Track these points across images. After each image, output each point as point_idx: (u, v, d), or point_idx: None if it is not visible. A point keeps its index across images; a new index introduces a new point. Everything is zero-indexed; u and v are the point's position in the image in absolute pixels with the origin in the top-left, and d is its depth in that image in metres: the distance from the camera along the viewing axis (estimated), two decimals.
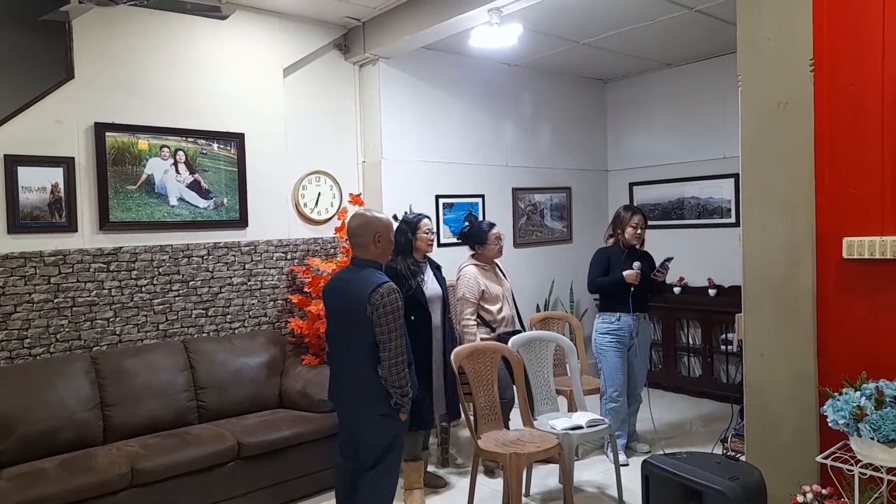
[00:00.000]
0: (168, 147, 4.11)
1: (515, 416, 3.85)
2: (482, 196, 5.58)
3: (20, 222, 3.61)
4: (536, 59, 5.64)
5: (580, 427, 3.59)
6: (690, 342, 5.71)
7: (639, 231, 4.25)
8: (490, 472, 4.06)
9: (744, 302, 2.72)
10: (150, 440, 3.48)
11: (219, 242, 4.34)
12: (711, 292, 5.65)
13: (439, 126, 5.29)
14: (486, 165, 5.62)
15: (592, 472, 4.08)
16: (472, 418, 3.66)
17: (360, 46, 4.83)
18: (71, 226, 3.78)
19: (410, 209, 4.29)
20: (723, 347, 5.40)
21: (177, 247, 4.17)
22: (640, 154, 6.39)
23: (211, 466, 3.39)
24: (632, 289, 4.11)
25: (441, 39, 4.67)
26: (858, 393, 2.08)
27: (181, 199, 4.17)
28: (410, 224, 3.82)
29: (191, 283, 4.22)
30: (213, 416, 3.88)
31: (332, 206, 4.91)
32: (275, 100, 4.60)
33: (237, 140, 4.39)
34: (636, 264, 4.12)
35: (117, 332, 3.94)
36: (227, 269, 4.38)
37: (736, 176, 5.10)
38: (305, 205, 4.77)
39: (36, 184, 3.66)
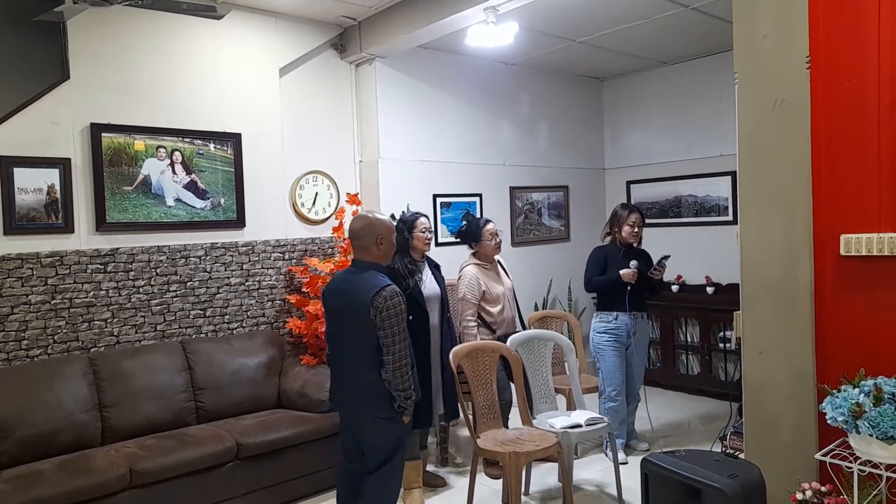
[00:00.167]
0: (164, 147, 4.10)
1: (514, 416, 3.85)
2: (479, 195, 5.58)
3: (16, 223, 3.60)
4: (533, 57, 5.64)
5: (579, 426, 3.59)
6: (689, 340, 5.72)
7: (636, 229, 4.24)
8: (493, 477, 4.03)
9: (742, 300, 2.72)
10: (149, 441, 3.48)
11: (216, 243, 4.34)
12: (709, 290, 5.66)
13: (436, 125, 5.29)
14: (483, 164, 5.62)
15: (592, 470, 4.09)
16: (470, 417, 3.66)
17: (357, 46, 4.83)
18: (68, 227, 3.77)
19: (408, 208, 4.28)
20: (721, 345, 5.41)
21: (174, 247, 4.16)
22: (637, 152, 6.40)
23: (210, 467, 3.39)
24: (628, 287, 4.11)
25: (437, 38, 4.67)
26: (857, 390, 2.08)
27: (178, 200, 4.16)
28: (407, 223, 3.82)
29: (188, 283, 4.22)
30: (211, 417, 3.88)
31: (329, 205, 4.90)
32: (271, 100, 4.59)
33: (234, 140, 4.38)
34: (633, 263, 4.12)
35: (115, 333, 3.93)
36: (225, 270, 4.37)
37: (733, 174, 5.12)
38: (303, 205, 4.76)
39: (32, 185, 3.65)
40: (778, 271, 2.58)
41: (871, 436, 1.98)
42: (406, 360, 2.69)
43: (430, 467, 4.08)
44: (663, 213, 6.14)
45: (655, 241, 5.09)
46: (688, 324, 5.73)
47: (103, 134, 3.87)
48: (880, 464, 2.04)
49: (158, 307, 4.10)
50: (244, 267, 4.46)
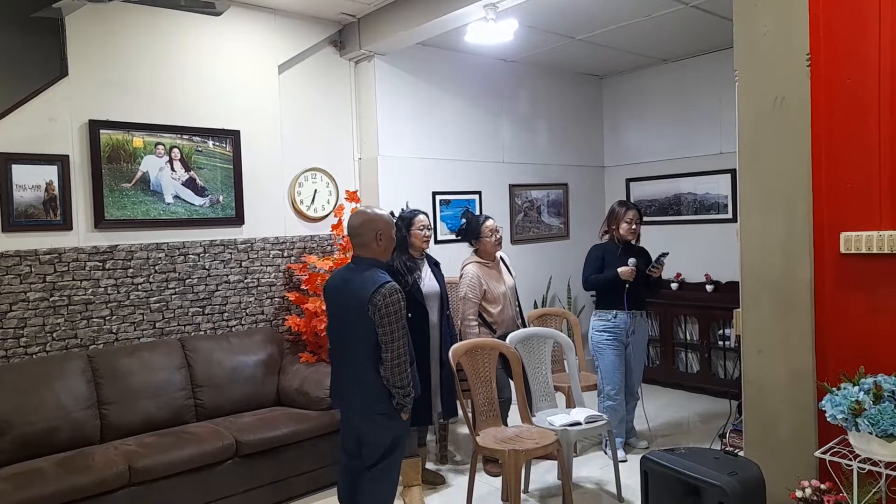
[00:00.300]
0: (163, 144, 4.09)
1: (514, 413, 3.85)
2: (479, 192, 5.57)
3: (15, 220, 3.59)
4: (532, 55, 5.63)
5: (578, 423, 3.59)
6: (688, 338, 5.72)
7: (633, 226, 4.22)
8: (492, 475, 4.02)
9: (742, 298, 2.72)
10: (148, 439, 3.47)
11: (215, 240, 4.33)
12: (709, 288, 5.65)
13: (435, 122, 5.28)
14: (482, 162, 5.61)
15: (591, 468, 4.09)
16: (470, 415, 3.66)
17: (356, 43, 4.82)
18: (66, 224, 3.76)
19: (407, 206, 4.28)
20: (720, 343, 5.41)
21: (173, 244, 4.15)
22: (636, 150, 6.39)
23: (209, 465, 3.39)
24: (627, 285, 4.10)
25: (437, 35, 4.65)
26: (857, 388, 2.08)
27: (177, 197, 4.15)
28: (405, 220, 3.81)
29: (187, 280, 4.21)
30: (210, 415, 3.88)
31: (328, 203, 4.89)
32: (270, 97, 4.58)
33: (232, 137, 4.37)
34: (631, 260, 4.10)
35: (114, 331, 3.93)
36: (224, 267, 4.37)
37: (732, 171, 5.12)
38: (302, 202, 4.75)
39: (30, 182, 3.64)
40: (778, 269, 2.58)
41: (870, 434, 1.98)
42: (405, 357, 2.69)
43: (429, 465, 4.08)
44: (663, 211, 6.14)
45: (655, 239, 5.08)
46: (687, 322, 5.73)
47: (102, 131, 3.86)
48: (880, 461, 2.04)
49: (157, 304, 4.09)
50: (243, 264, 4.45)
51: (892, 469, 2.05)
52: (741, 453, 2.71)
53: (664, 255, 4.16)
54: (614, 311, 4.16)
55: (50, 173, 3.70)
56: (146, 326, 4.05)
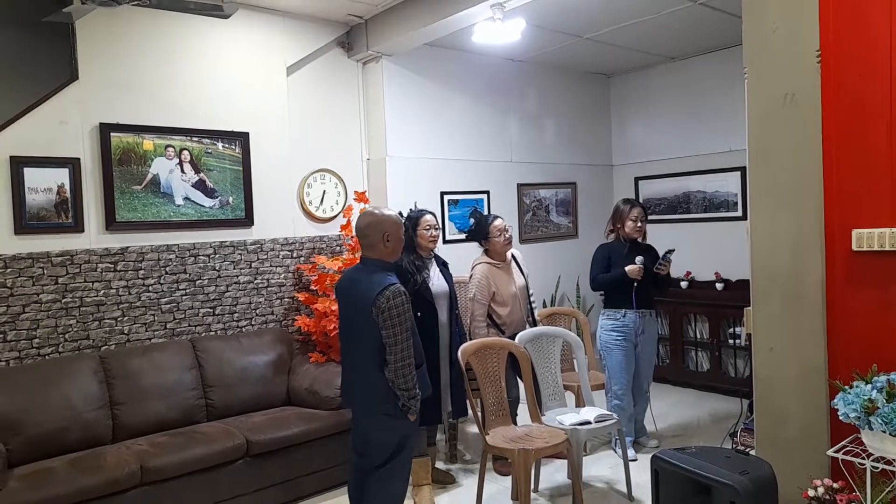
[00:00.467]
0: (173, 147, 4.11)
1: (523, 412, 3.85)
2: (487, 192, 5.57)
3: (27, 223, 3.63)
4: (540, 54, 5.62)
5: (588, 422, 3.58)
6: (698, 336, 5.69)
7: (639, 224, 4.18)
8: (502, 474, 4.01)
9: (752, 296, 2.70)
10: (159, 438, 3.49)
11: (225, 241, 4.35)
12: (719, 286, 5.62)
13: (443, 123, 5.28)
14: (490, 161, 5.61)
15: (601, 467, 4.08)
16: (479, 414, 3.66)
17: (364, 44, 4.83)
18: (77, 226, 3.79)
19: (415, 206, 4.28)
20: (731, 342, 5.38)
21: (183, 246, 4.18)
22: (645, 148, 6.37)
23: (220, 464, 3.41)
24: (635, 284, 4.08)
25: (444, 36, 4.66)
26: (869, 386, 2.06)
27: (187, 199, 4.18)
28: (411, 220, 3.81)
29: (198, 281, 4.23)
30: (221, 414, 3.90)
31: (337, 203, 4.91)
32: (279, 98, 4.60)
33: (242, 139, 4.39)
34: (639, 259, 4.07)
35: (125, 332, 3.96)
36: (234, 268, 4.39)
37: (742, 169, 5.09)
38: (310, 203, 4.77)
39: (42, 185, 3.67)
40: (789, 267, 2.56)
41: (883, 432, 1.96)
42: (409, 359, 2.68)
43: (439, 464, 4.09)
44: (672, 209, 6.11)
45: (664, 237, 5.06)
46: (697, 320, 5.70)
47: (112, 133, 3.89)
48: (893, 460, 2.03)
49: (168, 305, 4.12)
50: (253, 265, 4.47)
51: None
52: (752, 452, 2.70)
53: (670, 251, 4.13)
54: (623, 311, 4.15)
55: (61, 176, 3.73)
56: (157, 327, 4.08)
